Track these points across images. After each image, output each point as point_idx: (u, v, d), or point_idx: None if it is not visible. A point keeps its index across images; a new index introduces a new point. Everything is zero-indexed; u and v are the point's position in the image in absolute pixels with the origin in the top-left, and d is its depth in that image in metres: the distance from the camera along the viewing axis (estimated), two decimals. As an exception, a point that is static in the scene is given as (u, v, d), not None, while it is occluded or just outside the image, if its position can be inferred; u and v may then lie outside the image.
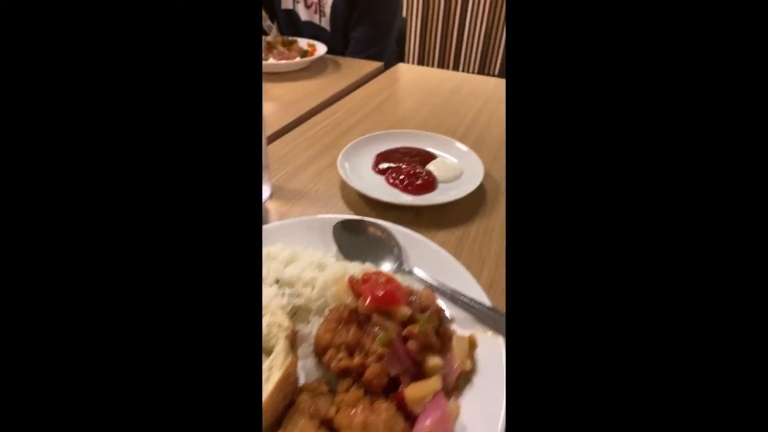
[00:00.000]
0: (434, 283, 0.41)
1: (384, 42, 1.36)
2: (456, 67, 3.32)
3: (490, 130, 0.83)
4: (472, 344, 0.36)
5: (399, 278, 0.42)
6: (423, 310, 0.37)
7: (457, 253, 0.51)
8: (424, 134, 0.74)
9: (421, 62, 3.38)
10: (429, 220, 0.57)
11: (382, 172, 0.65)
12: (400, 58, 1.63)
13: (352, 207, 0.59)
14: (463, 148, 0.69)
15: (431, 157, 0.69)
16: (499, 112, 0.91)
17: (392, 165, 0.67)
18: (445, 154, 0.70)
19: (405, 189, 0.61)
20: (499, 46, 3.08)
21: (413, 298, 0.38)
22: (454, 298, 0.39)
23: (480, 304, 0.38)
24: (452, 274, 0.42)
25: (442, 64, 3.34)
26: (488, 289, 0.46)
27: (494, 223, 0.57)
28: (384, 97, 0.97)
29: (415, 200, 0.59)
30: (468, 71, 3.30)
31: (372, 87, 1.03)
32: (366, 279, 0.38)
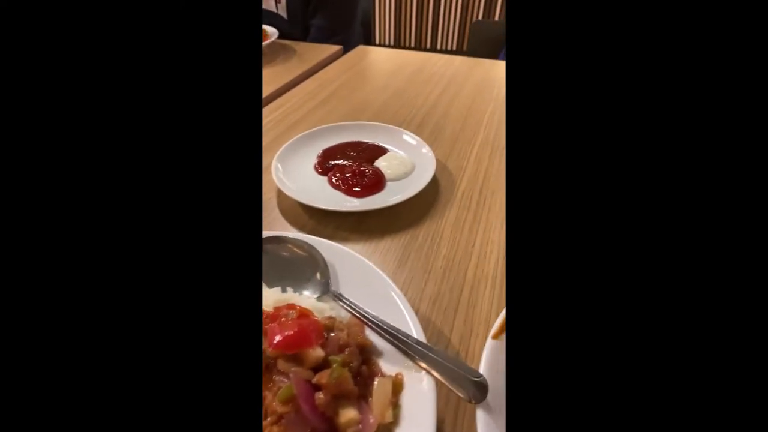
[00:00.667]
0: (360, 310, 0.35)
1: (348, 30, 1.27)
2: (434, 48, 3.22)
3: (449, 116, 0.77)
4: (397, 387, 0.30)
5: (324, 306, 0.36)
6: (342, 348, 0.31)
7: (401, 263, 0.46)
8: (374, 125, 0.67)
9: (397, 45, 3.27)
10: (374, 225, 0.51)
11: (325, 171, 0.59)
12: (368, 41, 1.54)
13: (288, 215, 0.53)
14: (412, 140, 0.63)
15: (381, 151, 0.63)
16: (462, 95, 0.85)
17: (337, 162, 0.60)
18: (395, 149, 0.63)
19: (349, 191, 0.55)
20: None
21: (332, 334, 0.32)
22: (381, 328, 0.33)
23: (409, 336, 0.32)
24: (384, 298, 0.36)
25: (419, 46, 3.24)
26: (432, 305, 0.41)
27: (445, 225, 0.51)
28: (337, 85, 0.89)
29: (357, 205, 0.52)
30: (446, 48, 3.21)
31: (327, 74, 0.95)
32: (275, 315, 0.32)
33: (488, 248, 0.47)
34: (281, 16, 1.24)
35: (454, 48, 3.18)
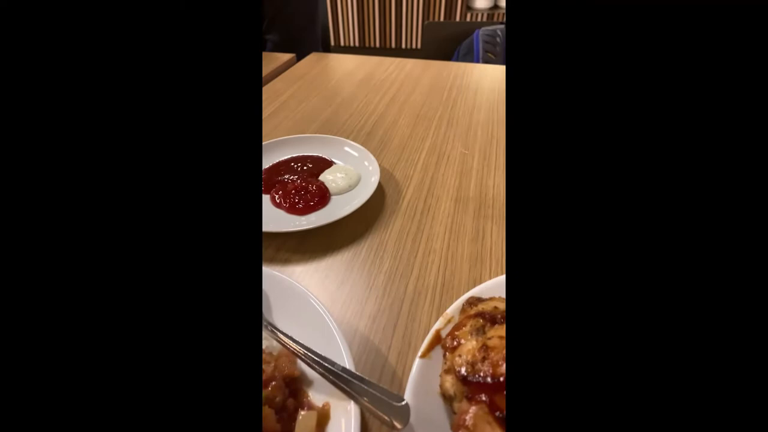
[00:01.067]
0: (291, 341, 0.34)
1: (305, 43, 1.24)
2: (399, 47, 3.22)
3: (398, 123, 0.76)
4: (322, 418, 0.30)
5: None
6: (266, 383, 0.31)
7: (343, 282, 0.45)
8: (319, 137, 0.66)
9: (362, 44, 3.26)
10: (317, 242, 0.50)
11: (267, 189, 0.58)
12: (326, 45, 1.53)
13: (228, 238, 0.51)
14: (355, 152, 0.62)
15: (327, 164, 0.62)
16: (411, 101, 0.85)
17: (281, 179, 0.59)
18: (339, 161, 0.62)
19: (292, 208, 0.54)
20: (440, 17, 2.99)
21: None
22: (308, 359, 0.32)
23: (335, 365, 0.31)
24: (319, 325, 0.36)
25: (384, 42, 3.24)
26: (371, 323, 0.40)
27: (389, 237, 0.51)
28: (287, 97, 0.88)
29: (301, 224, 0.51)
30: (411, 47, 3.22)
31: (275, 86, 0.94)
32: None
33: (430, 258, 0.47)
34: None
35: (419, 47, 3.18)
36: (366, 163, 0.59)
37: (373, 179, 0.56)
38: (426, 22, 1.37)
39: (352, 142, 0.63)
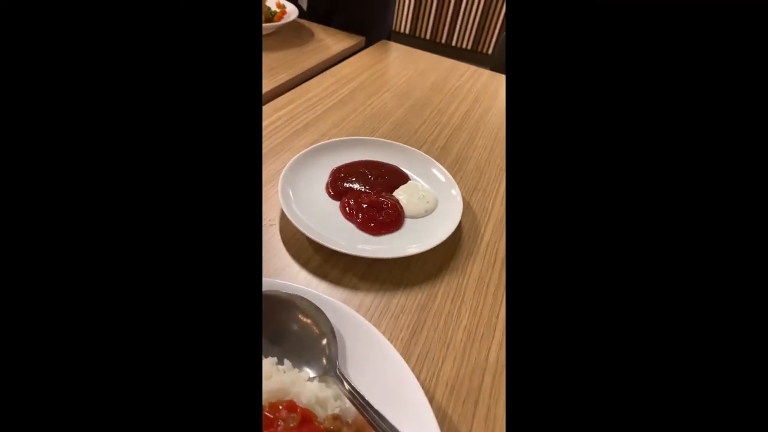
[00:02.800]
0: (370, 408, 0.29)
1: (374, 30, 1.14)
2: (449, 40, 3.12)
3: (474, 143, 0.70)
4: None
5: (327, 395, 0.30)
6: (350, 467, 0.25)
7: (416, 331, 0.39)
8: (397, 146, 0.60)
9: (413, 32, 3.16)
10: (387, 272, 0.44)
11: (338, 195, 0.52)
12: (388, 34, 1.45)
13: (290, 245, 0.46)
14: (441, 176, 0.56)
15: (402, 179, 0.56)
16: (489, 118, 0.78)
17: (352, 186, 0.53)
18: (417, 177, 0.56)
19: (364, 225, 0.48)
20: (497, 21, 2.89)
21: (337, 445, 0.26)
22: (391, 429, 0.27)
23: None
24: (396, 385, 0.30)
25: (435, 36, 3.14)
26: (449, 393, 0.35)
27: (467, 284, 0.45)
28: (355, 86, 0.81)
29: (370, 250, 0.46)
30: (461, 46, 3.12)
31: (344, 70, 0.87)
32: (270, 420, 0.25)
33: (515, 323, 0.42)
34: (300, 7, 1.12)
35: (469, 47, 3.09)
36: (453, 192, 0.53)
37: (454, 211, 0.50)
38: (504, 34, 1.29)
39: (440, 165, 0.57)
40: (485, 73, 0.98)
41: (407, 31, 3.17)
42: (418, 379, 0.36)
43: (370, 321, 0.33)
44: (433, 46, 3.09)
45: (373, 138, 0.61)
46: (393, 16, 1.21)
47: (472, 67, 1.00)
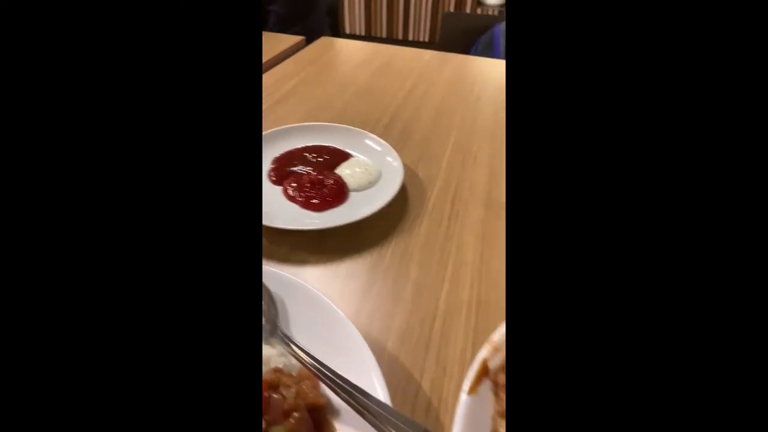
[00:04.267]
0: (313, 360, 0.29)
1: (309, 19, 1.18)
2: (406, 35, 3.15)
3: (419, 117, 0.71)
4: (354, 463, 0.25)
5: (271, 353, 0.30)
6: (288, 413, 0.26)
7: (366, 290, 0.40)
8: (336, 127, 0.61)
9: (368, 32, 3.19)
10: (336, 243, 0.45)
11: (280, 180, 0.52)
12: (335, 32, 1.46)
13: (236, 234, 0.46)
14: (377, 146, 0.57)
15: (344, 157, 0.57)
16: (432, 94, 0.80)
17: (294, 170, 0.54)
18: (358, 154, 0.57)
19: (307, 203, 0.49)
20: (449, 9, 2.93)
21: (274, 396, 0.26)
22: (336, 386, 0.28)
23: (368, 396, 0.27)
24: (344, 341, 0.31)
25: (390, 32, 3.17)
26: (400, 341, 0.36)
27: (414, 243, 0.46)
28: (297, 81, 0.82)
29: (317, 222, 0.46)
30: (419, 39, 3.15)
31: (285, 68, 0.88)
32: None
33: (462, 271, 0.43)
34: None
35: (426, 39, 3.12)
36: (389, 159, 0.54)
37: (396, 177, 0.51)
38: (445, 12, 1.31)
39: (374, 135, 0.58)
40: (428, 53, 1.00)
41: (363, 32, 3.20)
42: (370, 333, 0.37)
43: (318, 287, 0.34)
44: (390, 42, 3.12)
45: (308, 123, 0.62)
46: (322, 10, 1.24)
47: (414, 49, 1.02)
